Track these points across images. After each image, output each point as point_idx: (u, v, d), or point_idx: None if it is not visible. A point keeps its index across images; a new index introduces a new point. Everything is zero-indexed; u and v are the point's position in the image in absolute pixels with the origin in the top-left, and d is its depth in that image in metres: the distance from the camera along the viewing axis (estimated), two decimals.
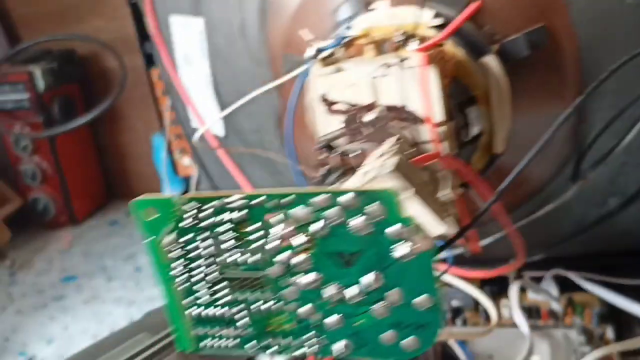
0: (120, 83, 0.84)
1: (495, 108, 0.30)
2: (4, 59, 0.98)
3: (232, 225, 0.21)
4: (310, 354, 0.23)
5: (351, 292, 0.21)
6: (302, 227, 0.21)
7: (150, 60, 0.78)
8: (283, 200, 0.20)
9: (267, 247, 0.21)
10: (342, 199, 0.20)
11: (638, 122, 0.40)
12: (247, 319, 0.23)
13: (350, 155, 0.24)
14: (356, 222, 0.20)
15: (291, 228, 0.21)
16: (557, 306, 0.46)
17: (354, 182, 0.21)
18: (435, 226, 0.19)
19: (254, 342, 0.23)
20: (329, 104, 0.29)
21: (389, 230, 0.19)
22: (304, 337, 0.23)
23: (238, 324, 0.23)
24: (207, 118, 0.49)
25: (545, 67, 0.34)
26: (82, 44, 1.06)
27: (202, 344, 0.24)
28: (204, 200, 0.21)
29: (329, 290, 0.21)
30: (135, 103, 1.09)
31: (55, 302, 0.82)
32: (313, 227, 0.20)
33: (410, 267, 0.20)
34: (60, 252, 1.00)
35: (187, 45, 0.48)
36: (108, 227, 1.09)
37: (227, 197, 0.21)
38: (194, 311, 0.23)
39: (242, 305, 0.23)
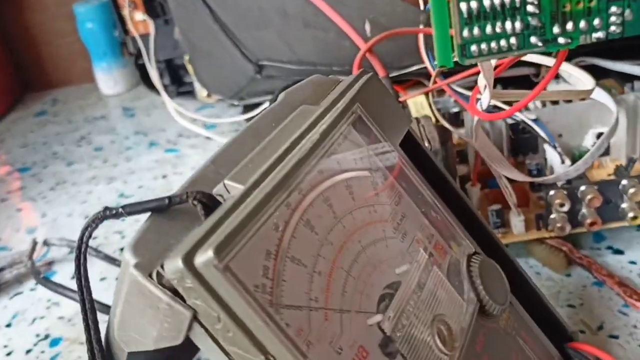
0: None
1: None
2: None
3: None
4: (612, 36, 0.20)
5: None
6: None
7: None
8: None
9: None
10: None
11: None
12: (535, 5, 0.19)
13: None
14: None
15: None
16: None
17: None
18: None
19: (539, 35, 0.20)
20: None
21: None
22: (609, 12, 0.19)
23: (525, 11, 0.19)
24: None
25: None
26: None
27: (471, 51, 0.20)
28: None
29: None
30: None
31: (14, 193, 0.72)
32: None
33: None
34: None
35: None
36: (35, 118, 0.97)
37: None
38: (468, 6, 0.19)
39: None
